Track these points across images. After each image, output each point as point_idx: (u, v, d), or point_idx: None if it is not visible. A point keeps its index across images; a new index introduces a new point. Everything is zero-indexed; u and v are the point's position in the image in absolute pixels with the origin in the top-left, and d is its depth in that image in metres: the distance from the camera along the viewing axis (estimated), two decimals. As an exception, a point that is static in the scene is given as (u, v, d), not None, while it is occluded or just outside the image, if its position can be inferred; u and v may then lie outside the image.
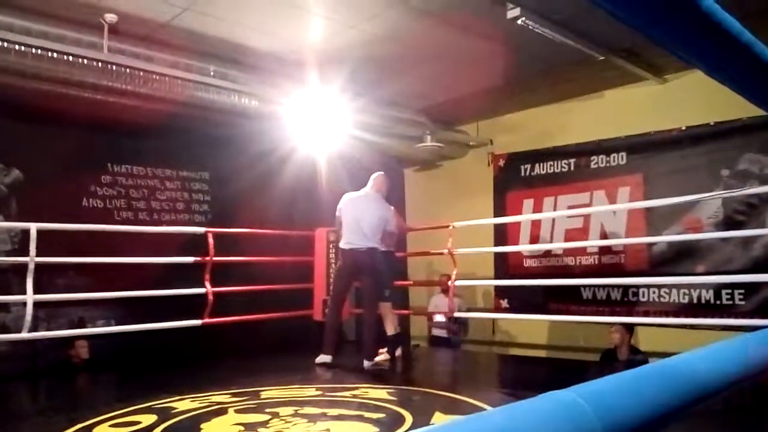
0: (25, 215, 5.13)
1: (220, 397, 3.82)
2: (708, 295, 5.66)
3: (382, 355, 5.37)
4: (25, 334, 4.31)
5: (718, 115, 5.65)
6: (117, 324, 5.50)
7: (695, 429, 2.98)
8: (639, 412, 0.61)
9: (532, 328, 6.85)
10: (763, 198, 5.37)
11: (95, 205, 6.00)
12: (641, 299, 6.12)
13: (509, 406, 0.51)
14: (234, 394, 3.90)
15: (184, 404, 3.64)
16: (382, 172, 5.48)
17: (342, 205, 5.28)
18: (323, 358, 5.06)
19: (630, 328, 5.48)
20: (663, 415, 0.65)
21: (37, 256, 4.53)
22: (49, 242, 4.94)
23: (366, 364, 5.01)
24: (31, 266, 4.40)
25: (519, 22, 4.55)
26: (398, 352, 5.54)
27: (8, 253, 5.19)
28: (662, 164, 6.08)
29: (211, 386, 4.13)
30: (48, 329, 5.27)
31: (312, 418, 3.25)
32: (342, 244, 5.21)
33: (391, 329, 5.48)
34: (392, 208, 5.55)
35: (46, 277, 5.26)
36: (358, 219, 5.15)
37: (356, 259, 5.12)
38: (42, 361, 5.23)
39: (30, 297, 4.35)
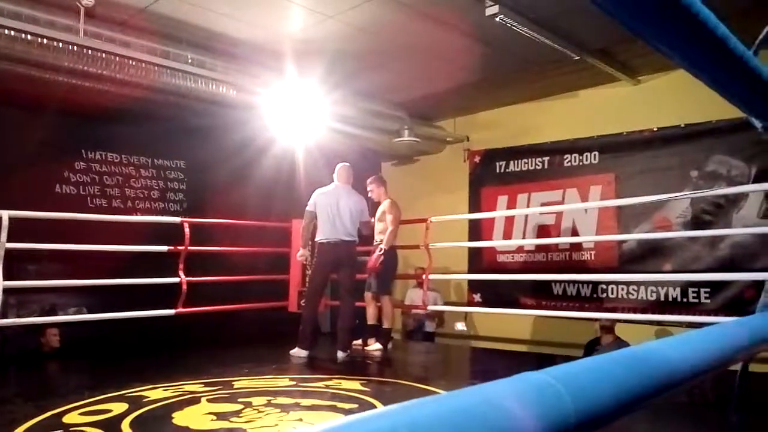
0: (-5, 201, 5.06)
1: (192, 386, 3.82)
2: (675, 293, 5.80)
3: (374, 345, 5.50)
4: (-5, 321, 4.25)
5: (689, 117, 5.79)
6: (89, 312, 5.44)
7: (663, 418, 3.09)
8: (611, 394, 0.63)
9: (504, 323, 6.94)
10: (729, 199, 5.53)
11: (69, 191, 5.92)
12: (610, 296, 6.26)
13: (482, 386, 0.53)
14: (207, 384, 3.90)
15: (157, 393, 3.63)
16: (346, 163, 5.50)
17: (315, 200, 5.27)
18: (299, 352, 5.06)
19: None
20: (634, 398, 0.68)
21: (8, 241, 4.47)
22: (21, 228, 4.87)
23: (340, 355, 5.04)
24: (1, 253, 4.33)
25: (497, 19, 4.61)
26: (390, 345, 5.67)
27: (-23, 239, 5.09)
28: (633, 164, 6.21)
29: (184, 375, 4.12)
30: (18, 316, 5.20)
31: (285, 408, 3.27)
32: (320, 239, 5.21)
33: (388, 322, 5.60)
34: (363, 198, 5.57)
35: (18, 264, 5.20)
36: (336, 213, 5.16)
37: (337, 252, 5.14)
38: (11, 347, 5.14)
39: (0, 283, 4.29)
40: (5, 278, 4.41)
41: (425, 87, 6.64)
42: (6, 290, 4.89)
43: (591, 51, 5.47)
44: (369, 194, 5.74)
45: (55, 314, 5.41)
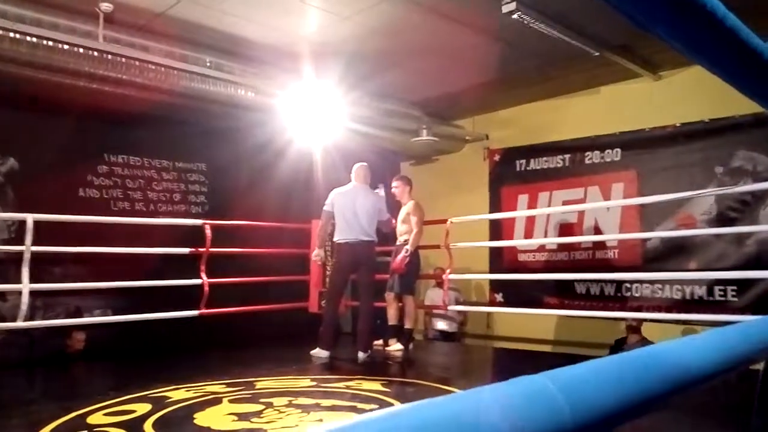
0: (22, 204, 5.16)
1: (214, 387, 3.85)
2: (701, 291, 5.70)
3: (395, 345, 5.50)
4: (20, 323, 4.32)
5: (712, 112, 5.68)
6: (114, 314, 5.52)
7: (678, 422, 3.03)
8: (612, 398, 0.61)
9: (526, 323, 6.88)
10: (756, 195, 5.41)
11: (92, 195, 6.01)
12: (634, 294, 6.17)
13: (476, 390, 0.51)
14: (229, 384, 3.93)
15: (179, 393, 3.66)
16: (364, 163, 5.49)
17: (333, 200, 5.27)
18: (320, 353, 5.07)
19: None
20: (639, 402, 0.65)
21: (33, 245, 4.55)
22: (46, 231, 4.96)
23: (360, 355, 5.03)
24: (27, 256, 4.42)
25: (514, 16, 4.57)
26: (411, 345, 5.66)
27: (5, 243, 5.19)
28: (656, 161, 6.11)
29: (207, 376, 4.15)
30: (45, 318, 5.29)
31: (305, 409, 3.28)
32: (338, 239, 5.21)
33: (410, 323, 5.59)
34: (383, 195, 5.56)
35: (43, 267, 5.29)
36: (354, 213, 5.16)
37: (355, 252, 5.14)
38: (39, 349, 5.24)
39: (26, 286, 4.37)
40: (31, 281, 4.49)
41: (443, 86, 6.62)
42: (32, 293, 4.99)
43: (611, 47, 5.40)
44: (393, 190, 5.75)
45: (81, 316, 5.50)
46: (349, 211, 5.16)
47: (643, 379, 0.65)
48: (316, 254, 5.49)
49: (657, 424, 2.78)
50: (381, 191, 5.56)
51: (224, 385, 3.90)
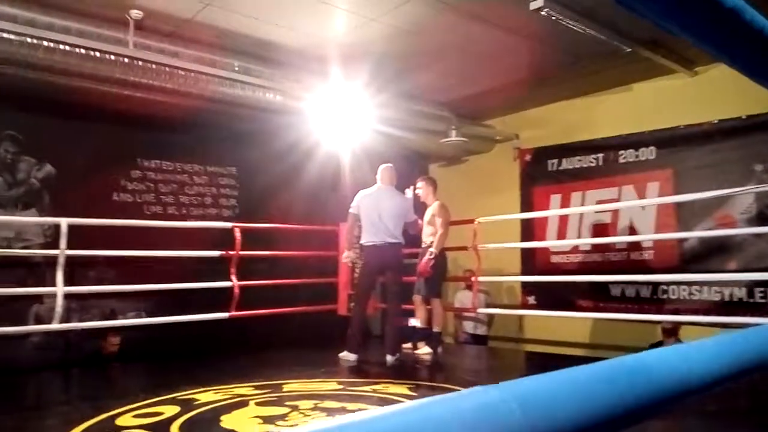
0: (58, 209, 5.29)
1: (242, 389, 3.87)
2: (740, 293, 5.51)
3: (424, 349, 5.47)
4: (55, 325, 4.42)
5: (750, 108, 5.49)
6: (148, 316, 5.61)
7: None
8: (579, 413, 0.55)
9: (559, 325, 6.76)
10: (798, 193, 5.21)
11: (125, 199, 6.12)
12: (671, 297, 6.00)
13: (426, 401, 0.48)
14: (257, 387, 3.95)
15: (207, 396, 3.69)
16: (389, 164, 5.43)
17: (359, 203, 5.23)
18: (348, 356, 5.05)
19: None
20: (612, 417, 0.59)
21: (68, 249, 4.65)
22: (81, 235, 5.07)
23: (389, 358, 5.00)
24: (61, 259, 4.51)
25: (542, 12, 4.48)
26: (440, 349, 5.61)
27: (41, 246, 5.33)
28: (693, 159, 5.94)
29: (235, 378, 4.18)
30: (80, 320, 5.40)
31: (331, 412, 3.27)
32: (365, 241, 5.19)
33: (438, 326, 5.56)
34: (410, 197, 5.53)
35: (79, 270, 5.42)
36: (379, 215, 5.12)
37: (382, 255, 5.11)
38: (75, 351, 5.36)
39: (60, 289, 4.46)
40: (67, 284, 4.59)
41: (471, 86, 6.56)
42: (68, 295, 5.10)
43: (643, 42, 5.26)
44: (417, 191, 5.70)
45: (116, 318, 5.60)
46: (374, 213, 5.13)
47: (615, 391, 0.59)
48: (346, 256, 5.47)
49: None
50: (409, 193, 5.53)
51: (252, 388, 3.91)
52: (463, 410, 0.46)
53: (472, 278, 6.05)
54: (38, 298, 5.21)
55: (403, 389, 3.90)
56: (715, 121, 5.79)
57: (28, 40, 4.31)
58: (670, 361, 0.71)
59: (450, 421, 0.45)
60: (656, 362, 0.67)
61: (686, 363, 0.72)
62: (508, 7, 4.67)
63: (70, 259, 4.98)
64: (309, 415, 3.20)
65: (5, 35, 4.25)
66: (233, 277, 5.51)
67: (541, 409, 0.51)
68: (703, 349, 0.79)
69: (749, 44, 0.96)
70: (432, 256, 5.32)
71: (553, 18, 4.59)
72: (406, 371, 4.79)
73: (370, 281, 5.29)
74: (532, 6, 4.47)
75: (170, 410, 3.34)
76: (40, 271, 5.20)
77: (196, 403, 3.51)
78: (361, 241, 5.23)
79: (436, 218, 5.47)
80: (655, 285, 6.09)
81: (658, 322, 5.54)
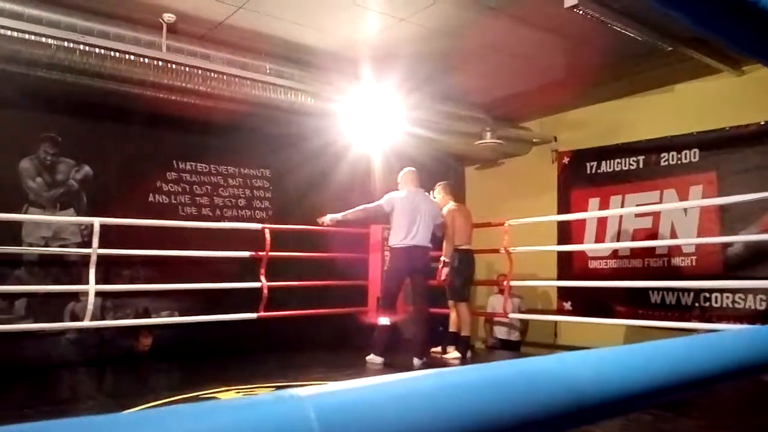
0: (95, 209, 5.42)
1: (264, 389, 3.86)
2: (788, 301, 5.24)
3: (452, 353, 5.43)
4: (86, 322, 4.51)
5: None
6: (180, 315, 5.69)
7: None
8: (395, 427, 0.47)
9: (596, 333, 6.55)
10: None
11: (161, 200, 6.21)
12: (714, 304, 5.75)
13: (216, 403, 0.44)
14: (278, 388, 3.92)
15: (229, 395, 3.71)
16: (411, 168, 5.44)
17: (393, 203, 5.21)
18: (374, 359, 5.03)
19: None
20: None
21: (104, 248, 4.75)
22: (118, 235, 5.19)
23: (416, 362, 4.95)
24: (94, 258, 4.61)
25: (577, 11, 4.36)
26: (468, 353, 5.54)
27: (78, 245, 5.45)
28: (738, 161, 5.68)
29: (260, 378, 4.20)
30: (115, 318, 5.51)
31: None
32: (395, 243, 5.15)
33: (466, 330, 5.51)
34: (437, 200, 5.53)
35: (114, 269, 5.54)
36: (414, 218, 5.11)
37: (413, 257, 5.09)
38: (108, 348, 5.46)
39: (92, 287, 4.56)
40: (101, 282, 4.69)
41: (507, 87, 6.44)
42: (103, 294, 5.23)
43: (685, 41, 5.06)
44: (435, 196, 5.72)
45: (149, 317, 5.69)
46: (412, 215, 5.12)
47: (491, 400, 0.51)
48: (330, 218, 5.46)
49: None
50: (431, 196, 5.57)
51: (273, 388, 3.89)
52: (249, 416, 0.41)
53: (504, 282, 5.92)
54: (75, 296, 5.33)
55: (426, 394, 3.83)
56: (763, 123, 5.53)
57: (65, 44, 4.42)
58: (581, 366, 0.62)
59: (235, 427, 0.40)
60: (533, 370, 0.58)
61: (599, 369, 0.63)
62: (544, 5, 4.56)
63: (106, 258, 5.11)
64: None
65: (44, 40, 4.38)
66: (263, 278, 5.54)
67: (344, 424, 0.44)
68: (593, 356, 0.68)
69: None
70: (443, 265, 5.33)
71: (589, 16, 4.46)
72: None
73: (398, 284, 5.24)
74: (567, 3, 4.36)
75: (190, 409, 3.35)
76: (76, 269, 5.33)
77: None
78: (391, 243, 5.21)
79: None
80: (697, 292, 5.85)
81: (698, 331, 5.31)
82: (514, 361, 0.55)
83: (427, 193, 5.36)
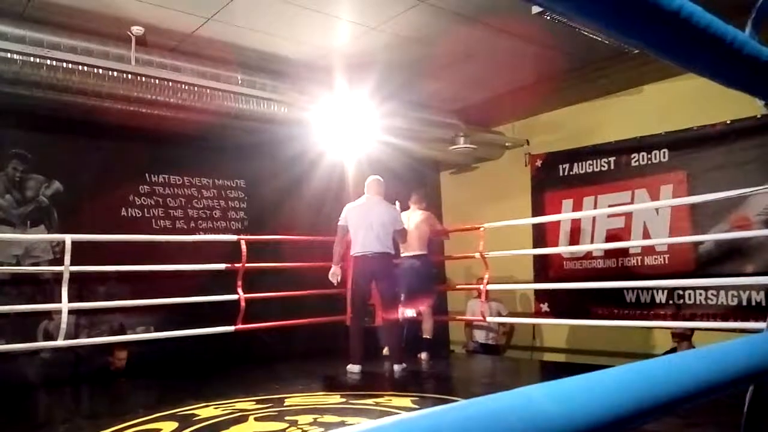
0: (66, 226, 5.32)
1: (244, 404, 3.83)
2: (759, 296, 5.34)
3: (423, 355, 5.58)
4: (59, 342, 4.43)
5: (765, 107, 5.34)
6: (156, 331, 5.60)
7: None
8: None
9: (575, 334, 6.63)
10: (816, 193, 5.04)
11: (134, 214, 6.13)
12: (687, 302, 5.84)
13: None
14: (259, 401, 3.91)
15: (208, 411, 3.66)
16: (377, 177, 5.46)
17: (346, 215, 5.25)
18: (353, 368, 5.03)
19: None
20: None
21: (77, 264, 4.67)
22: (91, 251, 5.10)
23: (396, 368, 4.96)
24: (66, 276, 4.53)
25: (545, 17, 4.42)
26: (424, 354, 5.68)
27: (51, 263, 5.35)
28: (707, 160, 5.79)
29: (239, 392, 4.15)
30: (89, 336, 5.41)
31: (329, 427, 3.21)
32: (354, 252, 5.19)
33: (426, 334, 5.62)
34: (398, 207, 5.62)
35: (89, 286, 5.45)
36: (368, 225, 5.12)
37: (370, 264, 5.11)
38: (84, 367, 5.36)
39: (65, 305, 4.48)
40: (76, 300, 4.60)
41: (479, 93, 6.50)
42: (78, 312, 5.14)
43: (651, 43, 5.15)
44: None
45: (124, 333, 5.60)
46: (363, 223, 5.13)
47: None
48: (333, 272, 5.34)
49: None
50: (397, 205, 5.65)
51: (254, 402, 3.88)
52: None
53: (481, 286, 5.96)
54: (47, 315, 5.23)
55: (406, 402, 3.83)
56: (729, 122, 5.64)
57: (31, 59, 4.35)
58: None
59: None
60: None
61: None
62: (509, 12, 4.61)
63: (79, 275, 5.02)
64: (307, 431, 3.15)
65: (9, 55, 4.31)
66: (239, 290, 5.50)
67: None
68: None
69: (713, 50, 0.90)
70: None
71: (557, 21, 4.51)
72: (413, 383, 4.72)
73: (362, 291, 5.25)
74: (534, 10, 4.40)
75: (168, 426, 3.31)
76: (48, 287, 5.22)
77: (196, 419, 3.48)
78: (351, 252, 5.22)
79: None
80: (671, 290, 5.94)
81: (668, 328, 5.40)
82: (476, 400, 0.55)
83: (384, 201, 5.36)
